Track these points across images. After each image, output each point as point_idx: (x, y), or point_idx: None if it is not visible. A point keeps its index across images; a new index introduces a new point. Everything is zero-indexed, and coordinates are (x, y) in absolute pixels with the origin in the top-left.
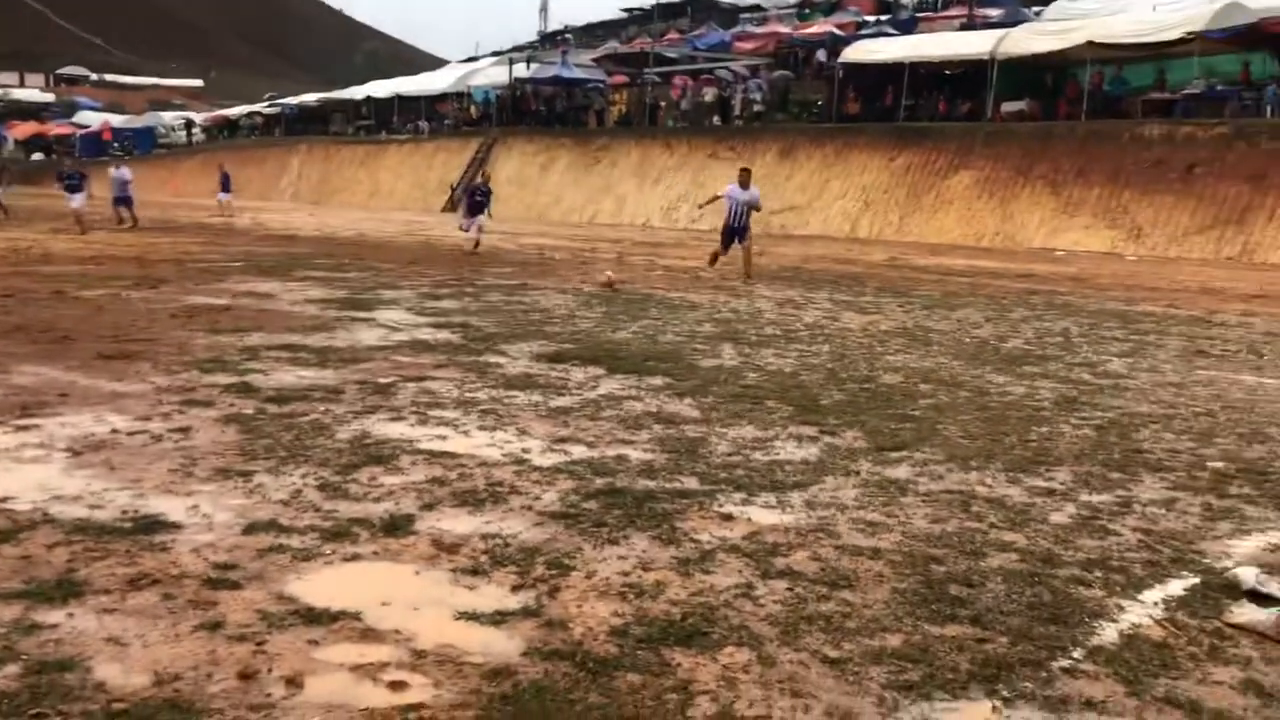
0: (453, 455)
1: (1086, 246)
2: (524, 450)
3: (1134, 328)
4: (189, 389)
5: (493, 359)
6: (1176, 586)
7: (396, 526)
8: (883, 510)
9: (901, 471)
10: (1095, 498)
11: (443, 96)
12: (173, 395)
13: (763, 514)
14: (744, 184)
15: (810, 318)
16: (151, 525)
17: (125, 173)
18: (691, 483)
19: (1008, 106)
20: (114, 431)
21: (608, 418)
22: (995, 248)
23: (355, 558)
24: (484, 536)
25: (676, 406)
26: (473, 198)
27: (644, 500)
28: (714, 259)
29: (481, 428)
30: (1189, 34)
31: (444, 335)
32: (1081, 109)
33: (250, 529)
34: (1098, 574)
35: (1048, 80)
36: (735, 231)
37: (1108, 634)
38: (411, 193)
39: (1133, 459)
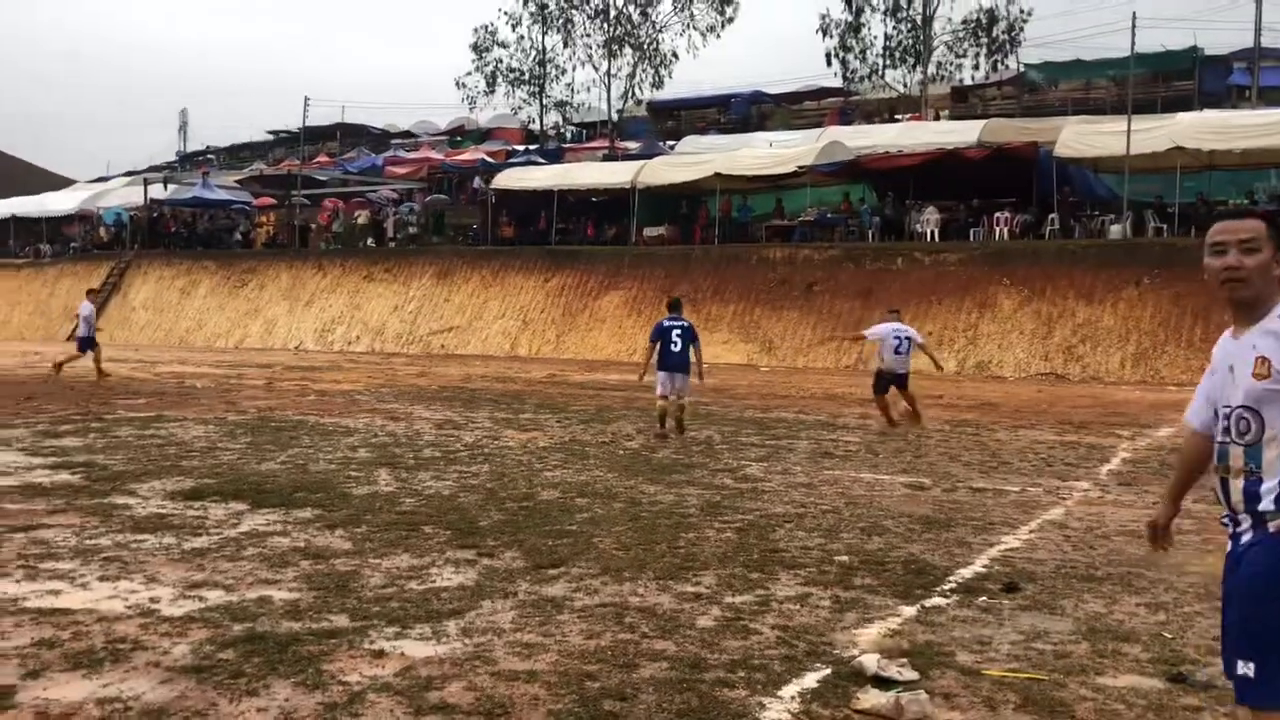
0: (66, 612)
1: (726, 359)
2: (152, 600)
3: (769, 433)
4: None
5: (120, 500)
6: (811, 679)
7: None
8: (539, 630)
9: (558, 589)
10: (738, 599)
11: (69, 218)
12: None
13: (417, 647)
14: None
15: (470, 437)
16: None
17: None
18: (341, 620)
19: (649, 231)
20: None
21: (250, 557)
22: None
23: None
24: (100, 702)
25: (327, 539)
26: (667, 343)
27: (288, 644)
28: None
29: (103, 578)
30: (800, 168)
31: (63, 476)
32: (714, 233)
33: None
34: (741, 674)
35: (683, 207)
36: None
37: None
38: (31, 321)
39: (770, 558)
